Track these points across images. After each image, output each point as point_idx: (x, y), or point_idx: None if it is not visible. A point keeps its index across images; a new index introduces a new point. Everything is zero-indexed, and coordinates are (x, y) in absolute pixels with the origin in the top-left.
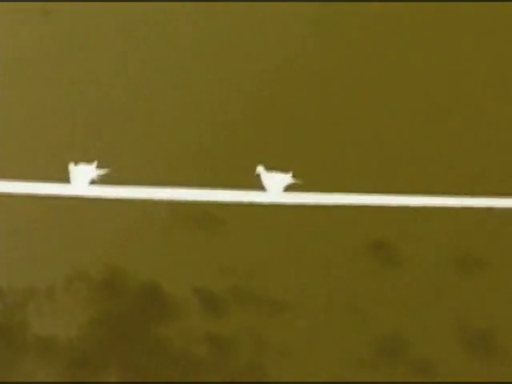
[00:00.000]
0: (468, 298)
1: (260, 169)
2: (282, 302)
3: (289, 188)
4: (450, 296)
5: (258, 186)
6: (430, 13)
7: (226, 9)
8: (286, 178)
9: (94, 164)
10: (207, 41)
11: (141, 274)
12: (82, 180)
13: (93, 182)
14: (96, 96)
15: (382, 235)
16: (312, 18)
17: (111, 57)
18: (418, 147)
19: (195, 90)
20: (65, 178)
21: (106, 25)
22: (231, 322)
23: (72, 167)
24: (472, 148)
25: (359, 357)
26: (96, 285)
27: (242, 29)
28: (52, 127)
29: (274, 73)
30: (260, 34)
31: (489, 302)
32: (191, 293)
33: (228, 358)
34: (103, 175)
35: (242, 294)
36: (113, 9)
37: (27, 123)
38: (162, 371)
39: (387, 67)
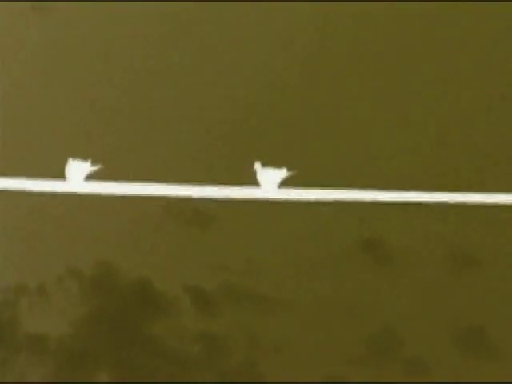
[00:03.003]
0: (460, 295)
1: (257, 165)
2: (275, 299)
3: (283, 184)
4: (442, 293)
5: (253, 181)
6: (429, 14)
7: (225, 8)
8: (281, 173)
9: (89, 161)
10: (202, 39)
11: (132, 271)
12: (78, 176)
13: (88, 178)
14: (89, 93)
15: (374, 233)
16: (308, 17)
17: (103, 54)
18: (411, 144)
19: (189, 87)
20: (59, 175)
21: (98, 22)
22: (223, 319)
23: (69, 163)
24: (465, 145)
25: (352, 354)
26: (87, 282)
27: (238, 29)
28: (46, 124)
29: (268, 70)
30: (256, 34)
31: (481, 299)
32: (183, 290)
33: (220, 355)
34: (97, 171)
35: (234, 291)
36: (104, 6)
37: (21, 120)
38: (153, 369)
39: (382, 64)
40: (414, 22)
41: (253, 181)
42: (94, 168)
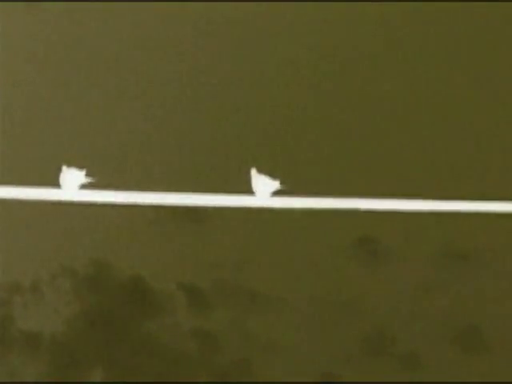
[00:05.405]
0: (455, 293)
1: (253, 171)
2: (269, 297)
3: (277, 192)
4: (436, 291)
5: (246, 188)
6: (429, 17)
7: (222, 12)
8: (275, 184)
9: (84, 171)
10: (199, 47)
11: (126, 269)
12: (72, 185)
13: (82, 187)
14: (84, 97)
15: (368, 231)
16: (309, 24)
17: (98, 60)
18: (404, 153)
19: (185, 95)
20: (54, 183)
21: (92, 20)
22: (217, 317)
23: (64, 170)
24: (457, 153)
25: (346, 352)
26: (81, 280)
27: (236, 36)
28: (41, 132)
29: (265, 77)
30: (254, 43)
31: (475, 297)
32: (177, 288)
33: (214, 353)
34: (92, 181)
35: (228, 289)
36: (97, 3)
37: (17, 128)
38: (147, 366)
39: (380, 74)
40: (416, 32)
41: (247, 187)
42: (89, 180)
